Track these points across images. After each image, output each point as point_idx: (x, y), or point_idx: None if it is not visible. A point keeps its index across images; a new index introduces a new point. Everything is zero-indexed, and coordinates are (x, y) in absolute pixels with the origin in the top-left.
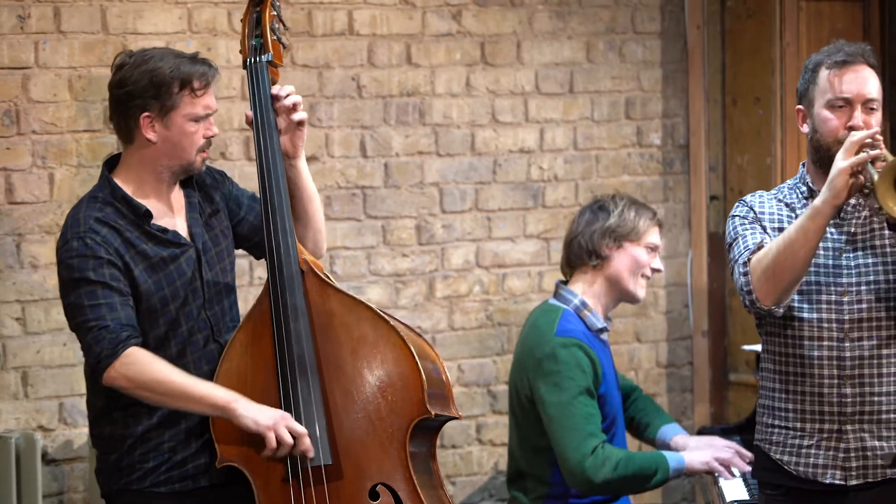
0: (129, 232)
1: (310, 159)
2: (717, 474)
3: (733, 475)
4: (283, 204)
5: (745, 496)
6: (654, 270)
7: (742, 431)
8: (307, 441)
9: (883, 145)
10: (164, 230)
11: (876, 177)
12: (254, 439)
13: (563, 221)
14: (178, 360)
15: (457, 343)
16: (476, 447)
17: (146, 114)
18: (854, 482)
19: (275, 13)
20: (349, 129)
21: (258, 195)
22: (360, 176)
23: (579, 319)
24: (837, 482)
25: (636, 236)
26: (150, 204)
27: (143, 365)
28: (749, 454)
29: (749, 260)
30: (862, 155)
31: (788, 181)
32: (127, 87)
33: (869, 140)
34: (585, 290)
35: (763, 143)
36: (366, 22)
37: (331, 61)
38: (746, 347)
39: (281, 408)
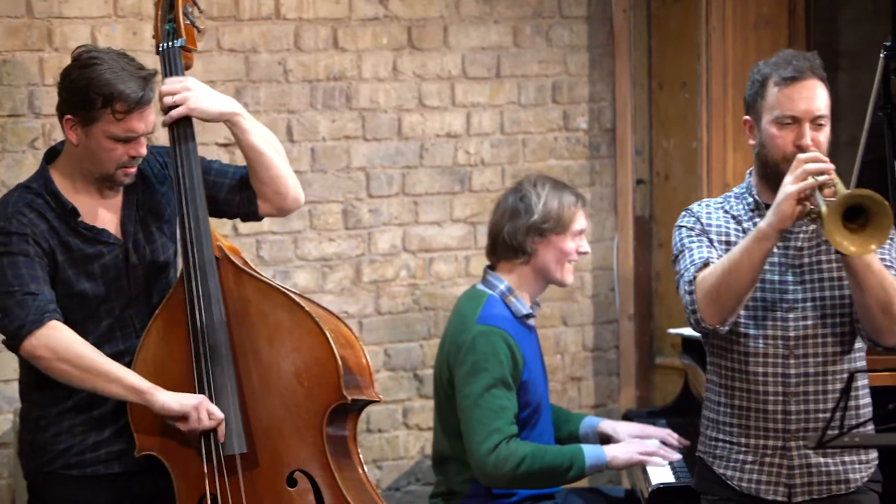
0: (56, 223)
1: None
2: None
3: (660, 464)
4: (195, 189)
5: (671, 479)
6: (581, 253)
7: (668, 414)
8: (223, 428)
9: (833, 172)
10: (92, 228)
11: (824, 208)
12: (172, 428)
13: (489, 206)
14: None
15: (383, 327)
16: (402, 431)
17: (69, 116)
18: (799, 499)
19: None
20: (276, 114)
21: (223, 163)
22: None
23: (504, 305)
24: (780, 499)
25: (562, 228)
26: (81, 199)
27: (66, 338)
28: (675, 438)
29: (695, 278)
30: (810, 181)
31: (735, 189)
32: (63, 85)
33: (818, 166)
34: (512, 278)
35: (689, 127)
36: (292, 6)
37: (257, 46)
38: (672, 331)
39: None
